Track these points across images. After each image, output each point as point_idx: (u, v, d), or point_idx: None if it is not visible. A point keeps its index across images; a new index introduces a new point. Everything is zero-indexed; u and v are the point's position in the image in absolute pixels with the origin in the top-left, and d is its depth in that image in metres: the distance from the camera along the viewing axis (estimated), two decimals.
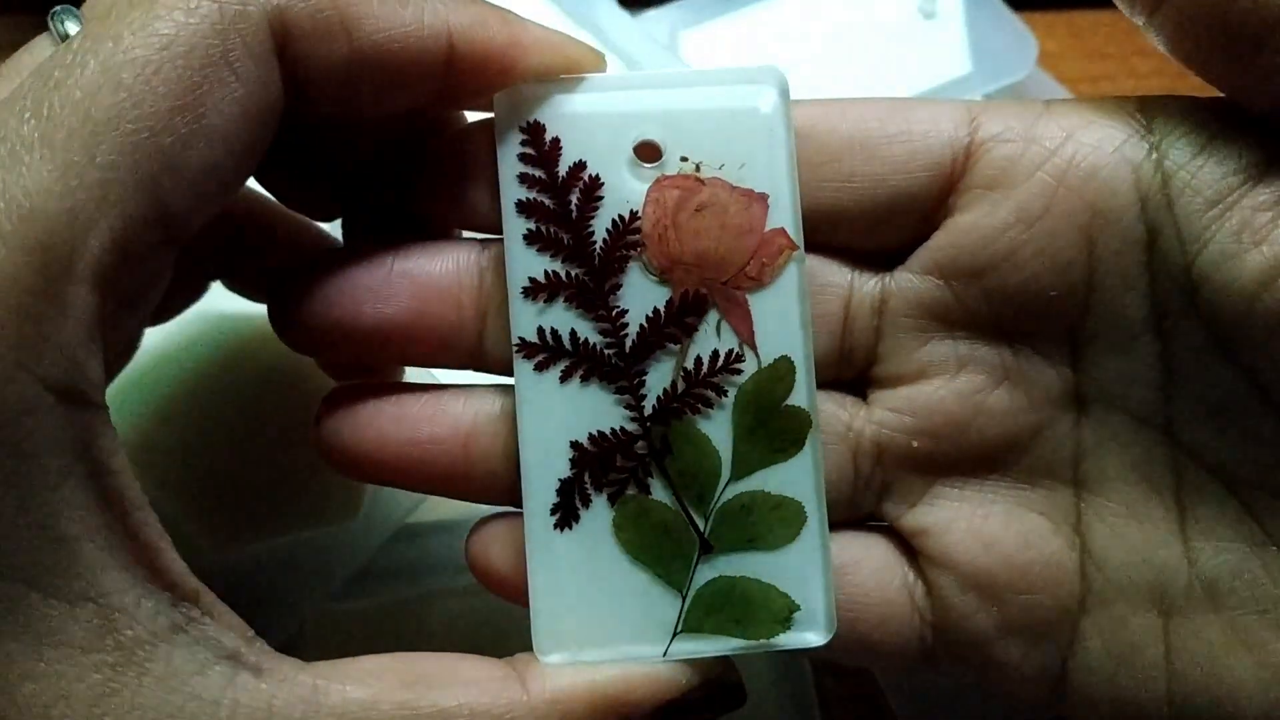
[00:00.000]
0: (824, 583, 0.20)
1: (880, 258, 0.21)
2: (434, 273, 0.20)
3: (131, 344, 0.23)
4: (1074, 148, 0.19)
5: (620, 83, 0.20)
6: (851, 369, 0.21)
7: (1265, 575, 0.19)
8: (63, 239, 0.15)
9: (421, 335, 0.20)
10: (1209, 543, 0.19)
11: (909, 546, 0.21)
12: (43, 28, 0.20)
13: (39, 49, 0.19)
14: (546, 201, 0.20)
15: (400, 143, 0.22)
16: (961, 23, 0.41)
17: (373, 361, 0.23)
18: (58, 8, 0.19)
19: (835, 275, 0.21)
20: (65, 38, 0.18)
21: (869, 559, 0.21)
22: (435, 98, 0.19)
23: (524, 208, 0.20)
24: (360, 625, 0.29)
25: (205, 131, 0.17)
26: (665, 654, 0.20)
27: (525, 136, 0.20)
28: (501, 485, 0.20)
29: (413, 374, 0.26)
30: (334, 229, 0.28)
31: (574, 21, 0.38)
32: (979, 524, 0.20)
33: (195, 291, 0.26)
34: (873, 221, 0.20)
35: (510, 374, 0.20)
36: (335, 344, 0.21)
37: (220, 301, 0.28)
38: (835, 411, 0.21)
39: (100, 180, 0.16)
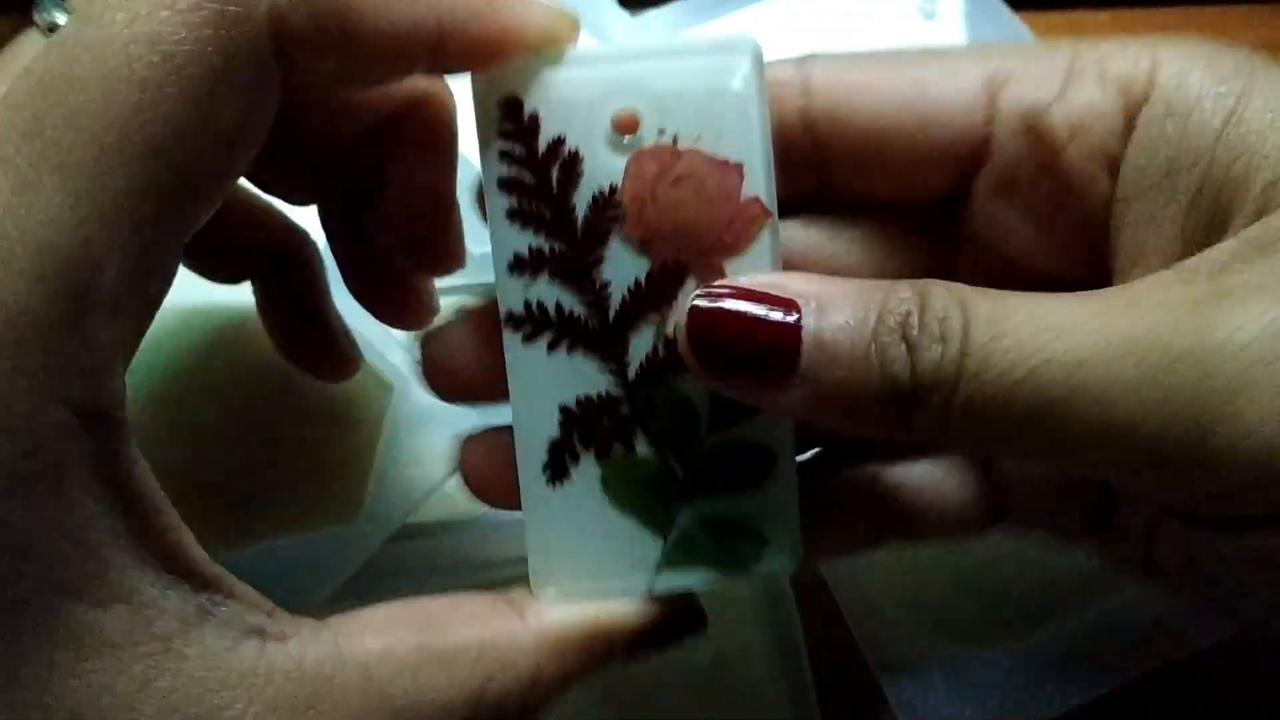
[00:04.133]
0: (791, 519, 0.21)
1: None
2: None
3: None
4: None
5: (596, 56, 0.20)
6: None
7: None
8: (80, 271, 0.16)
9: None
10: None
11: None
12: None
13: (29, 44, 0.19)
14: (527, 178, 0.20)
15: (374, 129, 0.23)
16: (961, 23, 0.41)
17: None
18: None
19: None
20: (53, 28, 0.18)
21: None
22: (419, 71, 0.20)
23: (505, 184, 0.20)
24: None
25: (211, 144, 0.17)
26: (650, 587, 0.21)
27: (503, 112, 0.20)
28: None
29: None
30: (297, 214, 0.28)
31: None
32: None
33: None
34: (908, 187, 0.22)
35: None
36: None
37: (216, 293, 0.28)
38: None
39: (112, 208, 0.16)
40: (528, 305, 0.21)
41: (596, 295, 0.21)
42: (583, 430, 0.21)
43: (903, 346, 0.17)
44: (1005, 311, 0.17)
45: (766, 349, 0.18)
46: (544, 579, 0.21)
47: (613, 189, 0.20)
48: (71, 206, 0.15)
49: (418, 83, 0.23)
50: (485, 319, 0.22)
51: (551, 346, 0.21)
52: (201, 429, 0.30)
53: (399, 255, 0.25)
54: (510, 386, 0.21)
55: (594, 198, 0.20)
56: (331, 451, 0.33)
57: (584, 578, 0.21)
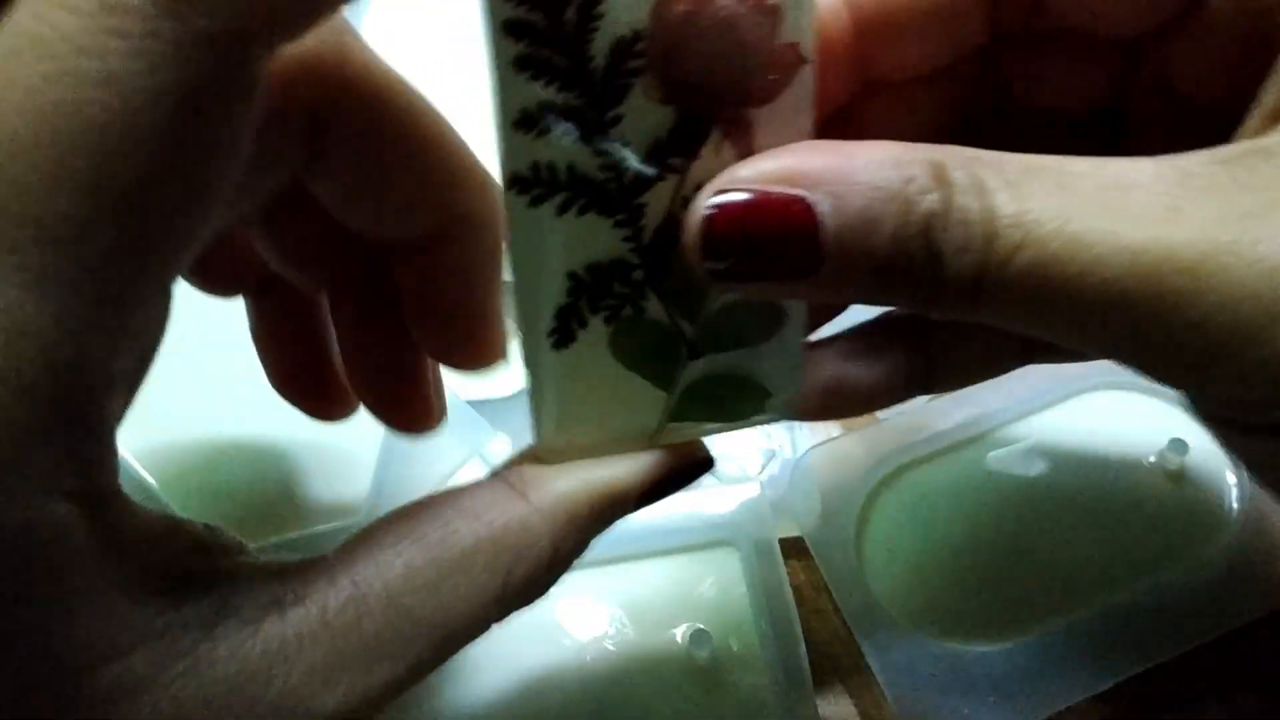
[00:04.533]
0: (796, 371, 0.22)
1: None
2: None
3: None
4: None
5: None
6: None
7: None
8: (60, 363, 0.14)
9: None
10: None
11: None
12: None
13: None
14: (538, 20, 0.17)
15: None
16: None
17: None
18: None
19: None
20: None
21: None
22: None
23: (512, 28, 0.17)
24: None
25: (188, 183, 0.15)
26: (654, 438, 0.21)
27: None
28: None
29: None
30: None
31: None
32: None
33: None
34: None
35: None
36: None
37: None
38: None
39: (84, 284, 0.14)
40: (536, 166, 0.18)
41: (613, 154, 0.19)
42: (592, 296, 0.20)
43: (927, 253, 0.17)
44: (1031, 214, 0.16)
45: (784, 259, 0.17)
46: (548, 436, 0.21)
47: (636, 35, 0.18)
48: (40, 292, 0.14)
49: (466, 202, 0.22)
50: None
51: (561, 210, 0.19)
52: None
53: (439, 353, 0.25)
54: (512, 251, 0.19)
55: (614, 44, 0.18)
56: (332, 451, 0.33)
57: (589, 432, 0.21)
